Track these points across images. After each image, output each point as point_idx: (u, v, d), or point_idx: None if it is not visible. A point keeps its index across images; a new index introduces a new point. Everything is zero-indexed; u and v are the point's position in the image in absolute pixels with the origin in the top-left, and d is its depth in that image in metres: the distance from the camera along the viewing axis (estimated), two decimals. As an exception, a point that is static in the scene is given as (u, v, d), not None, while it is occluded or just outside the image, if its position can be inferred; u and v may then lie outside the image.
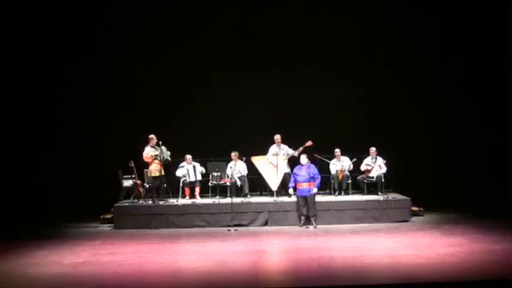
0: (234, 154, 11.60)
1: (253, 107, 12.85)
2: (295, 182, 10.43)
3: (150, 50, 12.89)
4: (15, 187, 11.68)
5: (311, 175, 10.32)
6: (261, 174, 11.52)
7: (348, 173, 11.59)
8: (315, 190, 10.37)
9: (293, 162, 11.21)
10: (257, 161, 11.48)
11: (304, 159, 10.52)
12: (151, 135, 10.96)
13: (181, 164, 11.58)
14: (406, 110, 12.98)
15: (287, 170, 11.31)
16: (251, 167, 11.68)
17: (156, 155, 10.89)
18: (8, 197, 11.40)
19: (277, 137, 11.41)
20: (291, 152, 11.31)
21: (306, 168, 10.41)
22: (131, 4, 12.57)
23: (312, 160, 10.94)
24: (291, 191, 10.55)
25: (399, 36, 12.76)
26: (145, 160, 10.96)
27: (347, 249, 8.22)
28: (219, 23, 12.83)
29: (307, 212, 10.30)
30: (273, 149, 11.41)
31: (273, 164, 11.19)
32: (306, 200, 10.29)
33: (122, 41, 12.76)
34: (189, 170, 11.44)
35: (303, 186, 10.32)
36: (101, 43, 12.73)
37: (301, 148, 11.04)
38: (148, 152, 10.90)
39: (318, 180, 10.46)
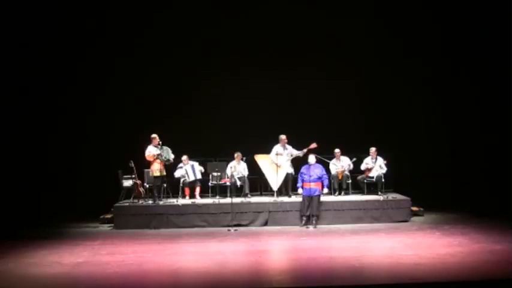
0: (237, 155, 11.58)
1: (253, 106, 12.85)
2: (302, 181, 10.44)
3: (150, 49, 12.88)
4: (15, 187, 11.66)
5: (318, 175, 10.33)
6: (262, 174, 11.52)
7: (348, 173, 11.60)
8: (325, 191, 10.43)
9: (298, 162, 11.18)
10: (260, 159, 11.46)
11: (312, 159, 10.52)
12: (154, 135, 10.95)
13: (179, 165, 11.58)
14: (406, 109, 12.98)
15: (290, 170, 11.28)
16: (252, 167, 11.68)
17: (158, 154, 10.89)
18: (8, 197, 11.39)
19: (283, 137, 11.32)
20: (295, 152, 11.23)
21: (314, 168, 10.41)
22: (131, 4, 12.55)
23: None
24: (300, 190, 10.54)
25: (399, 35, 12.76)
26: (147, 159, 10.96)
27: (347, 249, 8.21)
28: (220, 23, 12.82)
29: (310, 212, 10.30)
30: (276, 148, 11.35)
31: (275, 163, 11.17)
32: (311, 200, 10.29)
33: (121, 40, 12.75)
34: (188, 170, 11.45)
35: (309, 186, 10.31)
36: (100, 42, 12.72)
37: (305, 149, 11.01)
38: (151, 151, 10.91)
39: (326, 181, 10.51)
